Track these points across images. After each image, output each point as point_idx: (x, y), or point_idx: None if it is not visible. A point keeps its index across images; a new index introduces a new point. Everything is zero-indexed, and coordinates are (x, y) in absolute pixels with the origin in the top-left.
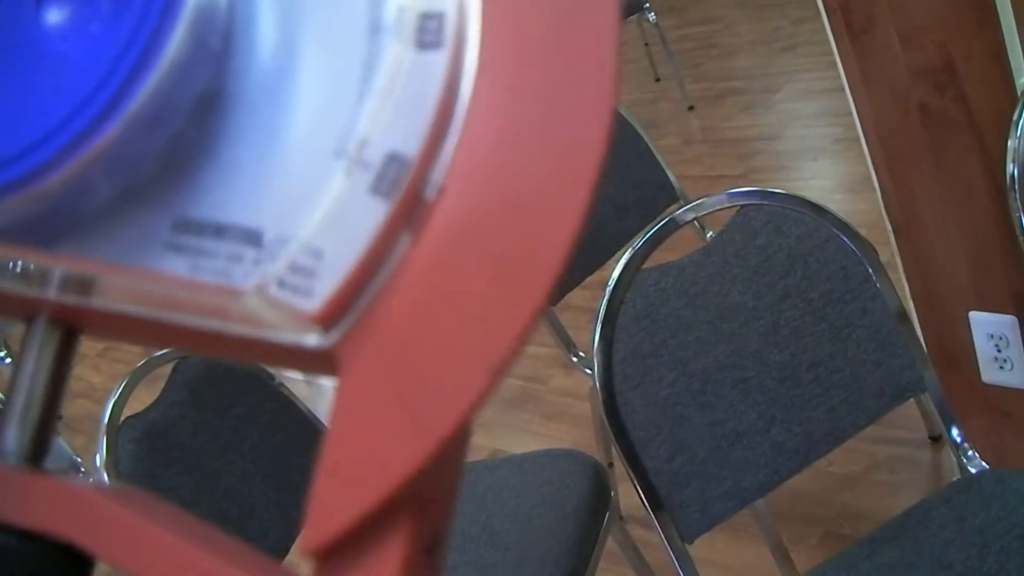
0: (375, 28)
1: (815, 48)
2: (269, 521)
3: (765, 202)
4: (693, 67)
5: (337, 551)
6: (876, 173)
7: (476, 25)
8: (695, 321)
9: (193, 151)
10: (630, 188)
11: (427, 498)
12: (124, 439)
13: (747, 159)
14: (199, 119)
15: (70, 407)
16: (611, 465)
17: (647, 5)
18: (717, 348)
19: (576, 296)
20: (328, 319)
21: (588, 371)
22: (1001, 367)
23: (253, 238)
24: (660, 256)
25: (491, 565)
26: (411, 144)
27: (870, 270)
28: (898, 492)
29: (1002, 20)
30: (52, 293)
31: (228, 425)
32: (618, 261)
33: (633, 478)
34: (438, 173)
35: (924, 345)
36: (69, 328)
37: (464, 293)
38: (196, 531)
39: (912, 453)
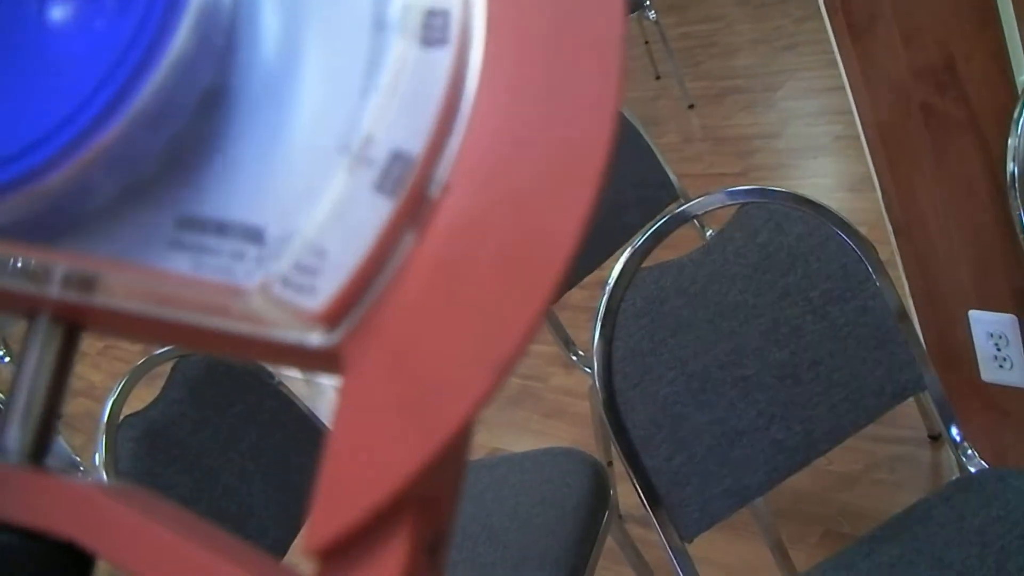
0: (379, 25)
1: (816, 47)
2: (269, 519)
3: (765, 200)
4: (693, 65)
5: (340, 550)
6: (876, 172)
7: (481, 22)
8: (695, 319)
9: (196, 148)
10: (630, 186)
11: (430, 497)
12: (123, 437)
13: (747, 157)
14: (202, 116)
15: (69, 405)
16: (610, 464)
17: (648, 3)
18: (717, 346)
19: (575, 295)
20: (332, 318)
21: (587, 369)
22: (1001, 366)
23: (256, 236)
24: (660, 254)
25: (490, 564)
26: (415, 142)
27: (870, 269)
28: (898, 491)
29: (1003, 19)
30: (55, 291)
31: (227, 423)
32: (618, 259)
33: (632, 477)
34: (443, 171)
35: (924, 344)
36: (71, 326)
37: (468, 291)
38: (196, 529)
39: (912, 452)
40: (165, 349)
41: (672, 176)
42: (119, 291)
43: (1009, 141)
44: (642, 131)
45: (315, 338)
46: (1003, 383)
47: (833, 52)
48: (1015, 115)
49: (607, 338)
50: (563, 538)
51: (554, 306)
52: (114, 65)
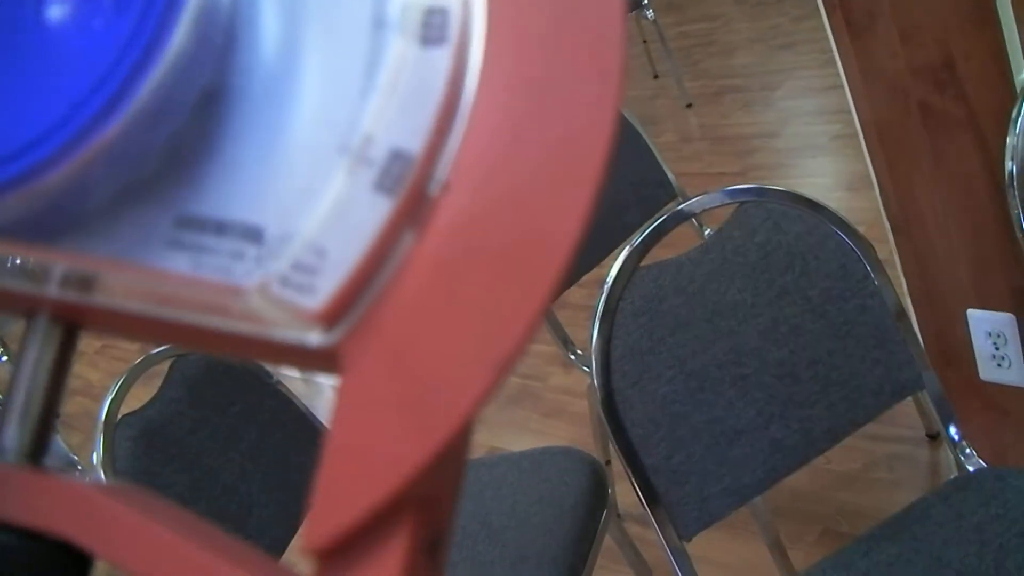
0: (379, 24)
1: (814, 45)
2: (267, 519)
3: (763, 199)
4: (692, 64)
5: (339, 550)
6: (875, 171)
7: (481, 20)
8: (693, 318)
9: (195, 147)
10: (628, 185)
11: (430, 497)
12: (121, 437)
13: (746, 156)
14: (202, 116)
15: (67, 404)
16: (609, 462)
17: (646, 2)
18: (715, 345)
19: (574, 293)
20: (331, 317)
21: (586, 368)
22: (999, 365)
23: (255, 235)
24: (658, 253)
25: (489, 562)
26: (415, 141)
27: (869, 268)
28: (896, 490)
29: (1002, 18)
30: (53, 290)
31: (226, 423)
32: (616, 258)
33: (631, 475)
34: (442, 170)
35: (922, 343)
36: (70, 325)
37: (468, 290)
38: (195, 529)
39: (910, 451)
40: (163, 348)
41: (670, 175)
42: (118, 290)
43: (1008, 140)
44: (640, 130)
45: (314, 337)
46: (1001, 382)
47: (831, 51)
48: (1014, 114)
49: (605, 337)
50: (561, 537)
51: (552, 305)
52: (113, 64)
